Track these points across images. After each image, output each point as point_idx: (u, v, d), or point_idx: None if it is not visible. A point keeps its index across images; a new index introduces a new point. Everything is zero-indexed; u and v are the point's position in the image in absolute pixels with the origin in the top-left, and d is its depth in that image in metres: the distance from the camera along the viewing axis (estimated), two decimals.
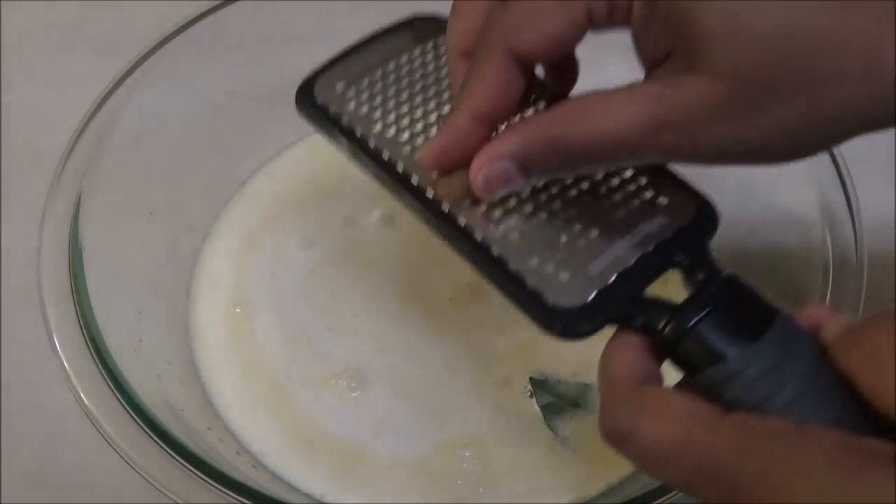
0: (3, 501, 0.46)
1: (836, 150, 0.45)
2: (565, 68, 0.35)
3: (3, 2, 0.65)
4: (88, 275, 0.41)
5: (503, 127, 0.33)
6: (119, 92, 0.47)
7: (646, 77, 0.31)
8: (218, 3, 0.50)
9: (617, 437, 0.28)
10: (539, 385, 0.46)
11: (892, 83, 0.28)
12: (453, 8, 0.34)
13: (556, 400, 0.45)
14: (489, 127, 0.32)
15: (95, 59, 0.52)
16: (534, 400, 0.46)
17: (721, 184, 0.52)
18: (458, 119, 0.31)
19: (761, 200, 0.49)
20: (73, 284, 0.41)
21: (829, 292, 0.41)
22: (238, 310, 0.49)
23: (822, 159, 0.45)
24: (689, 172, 0.55)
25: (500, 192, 0.32)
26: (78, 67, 0.60)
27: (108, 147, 0.45)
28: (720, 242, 0.51)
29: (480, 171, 0.31)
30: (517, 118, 0.35)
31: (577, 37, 0.31)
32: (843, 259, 0.42)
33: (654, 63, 0.31)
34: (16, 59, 0.63)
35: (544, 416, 0.45)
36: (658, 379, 0.30)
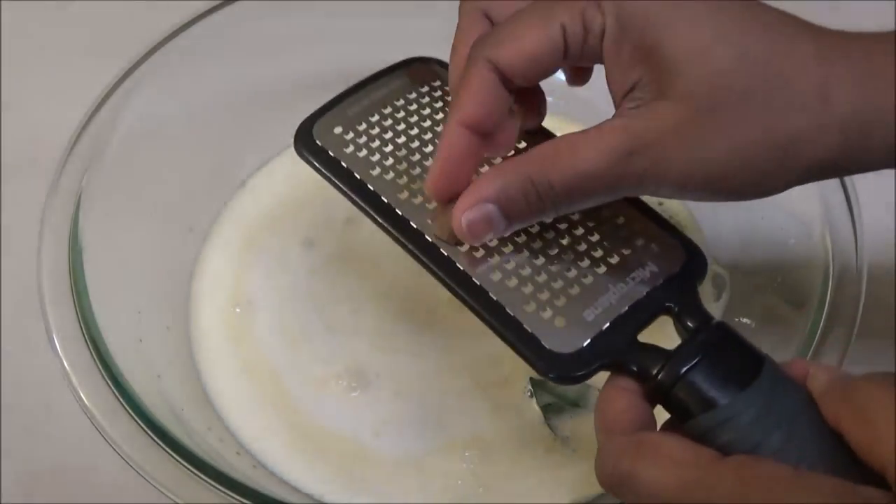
0: (3, 501, 0.46)
1: None
2: (533, 102, 0.37)
3: (2, 2, 0.65)
4: (88, 275, 0.41)
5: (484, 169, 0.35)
6: (119, 92, 0.47)
7: (616, 112, 0.33)
8: (218, 3, 0.50)
9: (615, 483, 0.29)
10: (539, 385, 0.46)
11: (840, 119, 0.30)
12: (453, 46, 0.36)
13: (556, 400, 0.45)
14: (478, 136, 0.33)
15: (95, 59, 0.51)
16: (534, 400, 0.46)
17: None
18: (448, 129, 0.33)
19: (762, 201, 0.49)
20: (73, 284, 0.41)
21: (829, 292, 0.41)
22: (238, 310, 0.49)
23: None
24: None
25: (485, 237, 0.33)
26: (78, 68, 0.60)
27: (108, 147, 0.45)
28: (722, 243, 0.51)
29: (463, 215, 0.32)
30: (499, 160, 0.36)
31: (555, 58, 0.32)
32: (843, 259, 0.42)
33: (622, 93, 0.32)
34: (16, 60, 0.63)
35: (544, 416, 0.45)
36: (652, 424, 0.31)
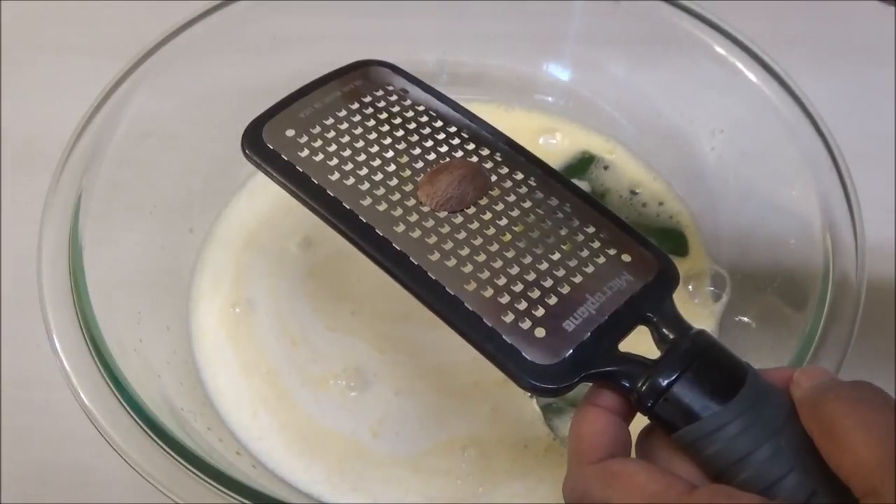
0: (3, 501, 0.46)
1: (835, 150, 0.45)
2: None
3: (3, 2, 0.65)
4: (88, 275, 0.41)
5: None
6: (119, 92, 0.47)
7: None
8: (217, 3, 0.50)
9: None
10: None
11: None
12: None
13: (556, 400, 0.45)
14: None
15: (95, 59, 0.51)
16: (534, 400, 0.46)
17: (722, 185, 0.52)
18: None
19: (762, 201, 0.49)
20: (73, 284, 0.41)
21: (829, 292, 0.41)
22: (238, 310, 0.49)
23: (822, 159, 0.45)
24: (688, 168, 0.55)
25: None
26: (78, 67, 0.60)
27: (108, 147, 0.45)
28: (722, 243, 0.51)
29: None
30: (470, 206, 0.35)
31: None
32: (843, 259, 0.42)
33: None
34: (16, 59, 0.63)
35: (544, 416, 0.45)
36: (628, 447, 0.31)
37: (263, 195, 0.53)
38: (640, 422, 0.32)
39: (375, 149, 0.37)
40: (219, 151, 0.52)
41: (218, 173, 0.53)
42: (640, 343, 0.33)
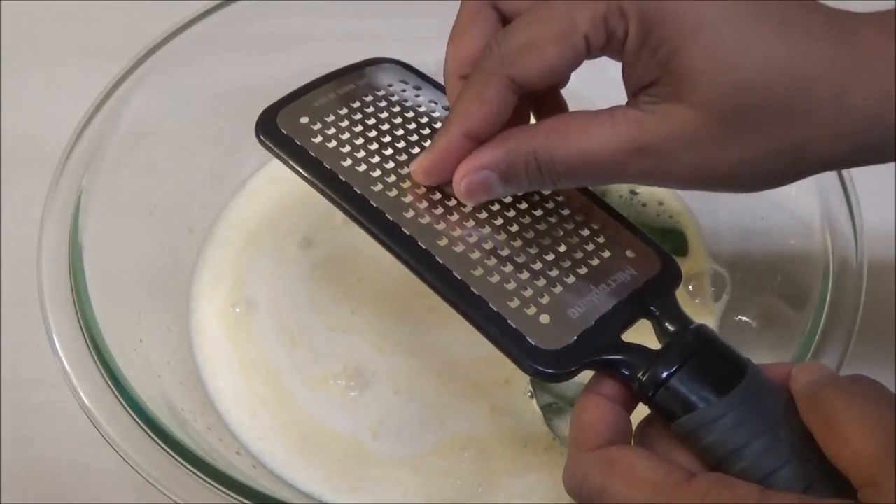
0: (3, 501, 0.46)
1: None
2: (552, 105, 0.37)
3: (3, 2, 0.65)
4: (88, 275, 0.41)
5: None
6: (119, 92, 0.47)
7: (629, 101, 0.32)
8: (217, 3, 0.50)
9: (584, 495, 0.30)
10: (539, 385, 0.46)
11: (854, 125, 0.30)
12: (453, 29, 0.35)
13: (555, 400, 0.46)
14: (479, 144, 0.33)
15: (95, 59, 0.52)
16: (534, 400, 0.46)
17: None
18: (452, 136, 0.33)
19: (761, 200, 0.49)
20: (73, 284, 0.41)
21: (829, 292, 0.41)
22: (238, 310, 0.49)
23: None
24: None
25: (481, 199, 0.33)
26: (78, 67, 0.60)
27: (108, 147, 0.45)
28: (722, 243, 0.51)
29: (463, 178, 0.33)
30: None
31: (575, 66, 0.32)
32: (843, 259, 0.42)
33: (638, 87, 0.32)
34: (16, 59, 0.63)
35: (544, 416, 0.45)
36: (628, 434, 0.31)
37: (263, 195, 0.53)
38: (640, 413, 0.32)
39: (388, 139, 0.37)
40: (219, 151, 0.53)
41: (218, 173, 0.53)
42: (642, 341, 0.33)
